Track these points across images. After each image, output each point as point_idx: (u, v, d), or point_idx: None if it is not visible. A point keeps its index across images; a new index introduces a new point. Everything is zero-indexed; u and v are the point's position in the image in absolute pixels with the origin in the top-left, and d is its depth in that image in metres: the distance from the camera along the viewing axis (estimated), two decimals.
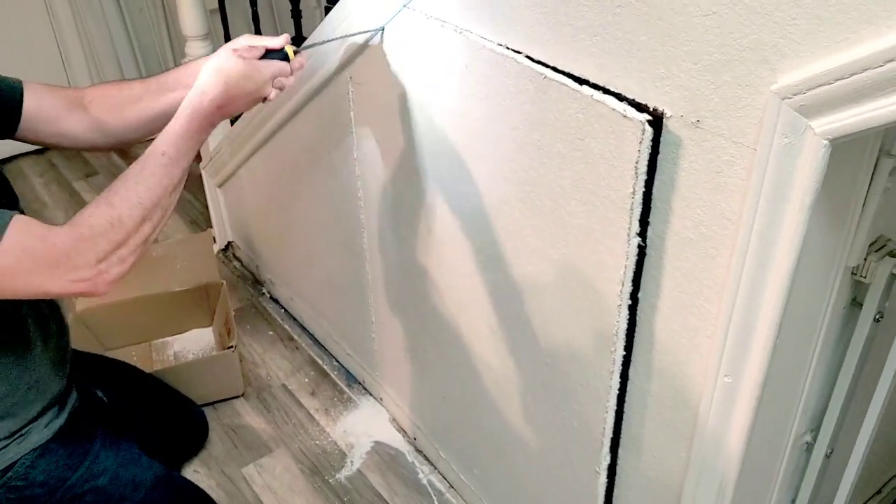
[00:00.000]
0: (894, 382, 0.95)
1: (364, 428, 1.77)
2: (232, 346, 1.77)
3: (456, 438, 1.54)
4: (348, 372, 1.92)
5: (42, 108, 1.07)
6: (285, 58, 1.04)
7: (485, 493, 1.51)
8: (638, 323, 0.96)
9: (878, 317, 0.91)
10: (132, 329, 1.92)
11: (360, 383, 1.88)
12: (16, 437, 1.09)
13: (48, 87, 1.09)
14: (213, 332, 1.99)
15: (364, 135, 1.39)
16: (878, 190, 0.81)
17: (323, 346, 2.00)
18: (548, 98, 0.93)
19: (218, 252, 2.33)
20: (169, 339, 1.98)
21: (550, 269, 1.05)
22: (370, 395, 1.85)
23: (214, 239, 2.33)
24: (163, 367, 1.78)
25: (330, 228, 1.67)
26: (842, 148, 0.70)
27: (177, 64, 2.70)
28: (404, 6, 1.12)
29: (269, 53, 1.04)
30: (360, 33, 1.23)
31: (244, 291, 2.21)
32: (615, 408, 1.04)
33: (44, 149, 2.68)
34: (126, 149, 2.53)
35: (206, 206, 2.32)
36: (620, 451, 1.09)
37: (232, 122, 1.94)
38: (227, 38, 2.04)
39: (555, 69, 0.91)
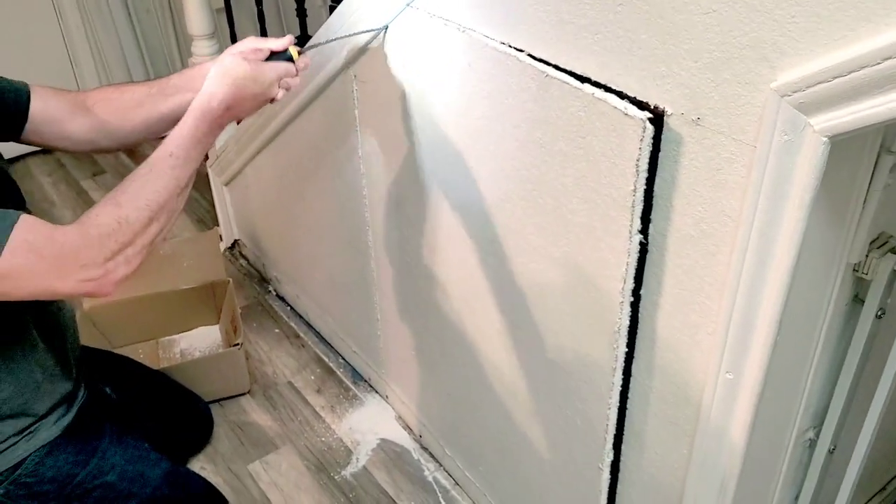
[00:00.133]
0: None
1: (370, 425, 1.78)
2: (238, 344, 1.78)
3: (461, 436, 1.55)
4: (354, 369, 1.93)
5: (48, 111, 1.08)
6: (290, 59, 1.05)
7: (489, 490, 1.52)
8: (640, 320, 0.97)
9: (879, 313, 0.92)
10: (139, 327, 1.94)
11: (365, 381, 1.89)
12: (24, 434, 1.10)
13: (53, 90, 1.10)
14: (219, 330, 2.01)
15: (368, 133, 1.40)
16: (878, 187, 0.81)
17: (329, 344, 2.01)
18: (550, 96, 0.93)
19: (224, 250, 2.34)
20: (176, 336, 1.99)
21: (553, 266, 1.06)
22: (376, 392, 1.86)
23: (221, 237, 2.34)
24: (169, 365, 1.79)
25: (335, 226, 1.68)
26: (841, 145, 0.71)
27: (184, 63, 2.72)
28: (408, 5, 1.13)
29: (273, 55, 1.05)
30: (363, 32, 1.24)
31: (250, 289, 2.22)
32: (618, 405, 1.05)
33: None
34: (133, 149, 2.55)
35: (213, 205, 2.33)
36: (623, 447, 1.10)
37: (238, 121, 1.95)
38: (233, 37, 2.05)
39: (557, 67, 0.92)
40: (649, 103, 0.83)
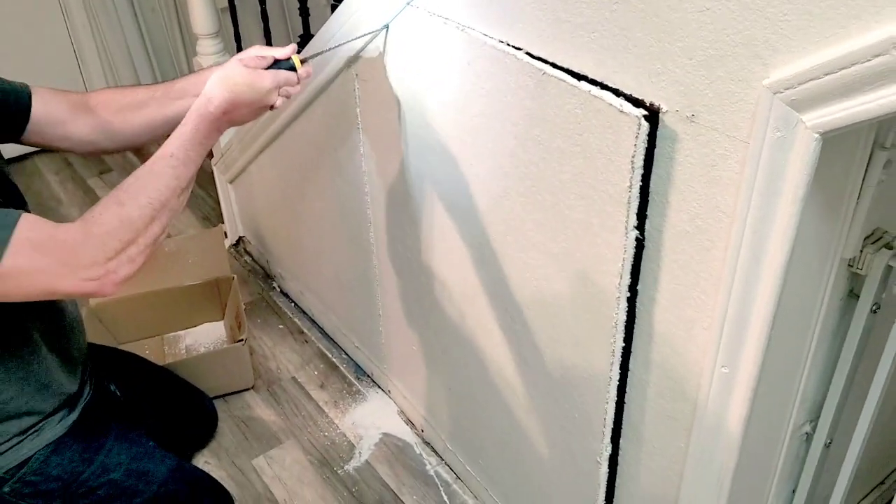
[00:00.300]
0: (891, 373, 0.95)
1: (372, 420, 1.80)
2: (242, 340, 1.79)
3: (462, 430, 1.56)
4: (357, 365, 1.94)
5: (49, 112, 1.09)
6: (292, 67, 1.07)
7: (490, 484, 1.53)
8: (637, 315, 0.98)
9: (874, 308, 0.92)
10: (145, 323, 1.96)
11: (368, 376, 1.91)
12: (29, 433, 1.11)
13: (54, 90, 1.11)
14: (224, 326, 2.02)
15: (370, 131, 1.41)
16: (872, 182, 0.82)
17: (332, 340, 2.02)
18: (547, 94, 0.94)
19: (229, 247, 2.36)
20: (181, 332, 2.01)
21: (551, 262, 1.07)
22: (378, 387, 1.88)
23: (226, 234, 2.36)
24: (175, 361, 1.81)
25: (338, 224, 1.70)
26: (834, 141, 0.72)
27: (189, 61, 2.74)
28: (408, 4, 1.14)
29: (277, 63, 1.06)
30: (365, 35, 1.25)
31: (255, 286, 2.24)
32: (615, 399, 1.06)
33: None
34: (140, 148, 2.56)
35: (218, 202, 2.35)
36: (621, 441, 1.11)
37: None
38: (237, 36, 2.07)
39: (554, 65, 0.93)
40: (645, 100, 0.84)
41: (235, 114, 1.02)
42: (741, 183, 0.77)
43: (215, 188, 2.31)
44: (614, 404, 1.06)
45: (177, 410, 1.64)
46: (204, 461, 1.72)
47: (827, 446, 1.05)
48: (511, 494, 1.48)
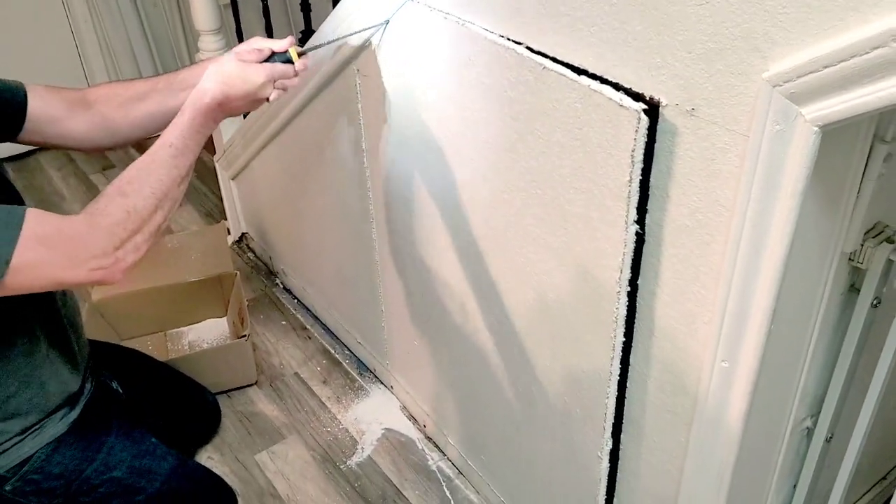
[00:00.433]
0: (892, 368, 0.95)
1: (375, 415, 1.80)
2: (245, 336, 1.80)
3: (464, 425, 1.57)
4: (359, 361, 1.95)
5: (46, 109, 1.09)
6: (289, 60, 1.07)
7: (492, 479, 1.53)
8: (637, 309, 0.98)
9: (875, 302, 0.92)
10: (148, 319, 1.96)
11: (371, 372, 1.91)
12: (31, 431, 1.11)
13: (50, 88, 1.11)
14: (226, 322, 2.03)
15: (372, 126, 1.41)
16: (872, 176, 0.82)
17: (335, 336, 2.03)
18: (547, 88, 0.94)
19: (232, 243, 2.36)
20: (184, 328, 2.01)
21: (551, 257, 1.07)
22: (381, 383, 1.88)
23: (228, 230, 2.37)
24: (177, 357, 1.81)
25: (340, 220, 1.70)
26: (833, 134, 0.71)
27: (191, 56, 2.74)
28: None
29: (274, 56, 1.06)
30: (365, 30, 1.25)
31: (258, 282, 2.24)
32: (616, 393, 1.06)
33: None
34: (142, 144, 2.57)
35: (221, 199, 2.35)
36: (622, 436, 1.11)
37: (244, 115, 1.97)
38: (239, 32, 2.07)
39: (554, 59, 0.93)
40: (644, 94, 0.84)
41: (229, 106, 1.03)
42: (741, 176, 0.77)
43: (218, 184, 2.32)
44: (615, 399, 1.06)
45: (178, 407, 1.64)
46: (207, 457, 1.72)
47: (828, 441, 1.05)
48: (513, 489, 1.48)
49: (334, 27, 1.31)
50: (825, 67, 0.65)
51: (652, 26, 0.79)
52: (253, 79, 1.03)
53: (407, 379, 1.76)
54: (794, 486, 1.13)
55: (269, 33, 1.98)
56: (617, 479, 1.17)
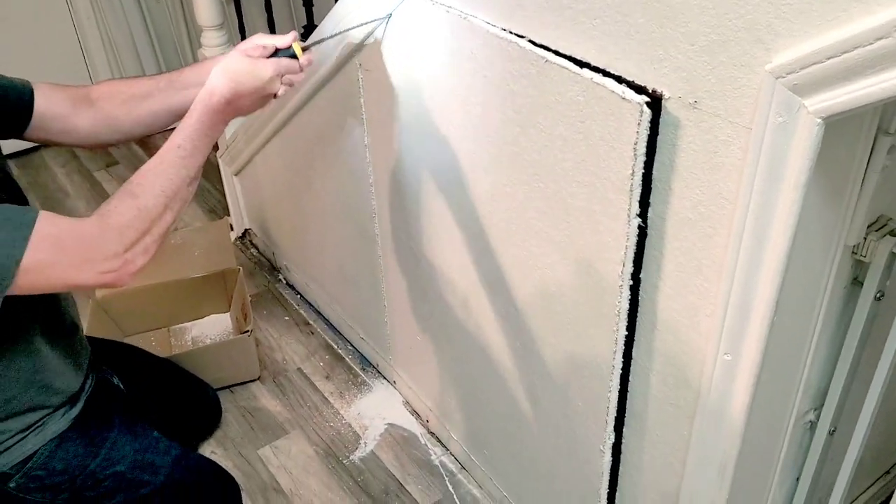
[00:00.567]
0: (895, 361, 0.95)
1: (378, 410, 1.80)
2: (248, 331, 1.80)
3: (466, 420, 1.57)
4: (362, 356, 1.95)
5: (51, 107, 1.10)
6: (294, 55, 1.07)
7: (494, 474, 1.54)
8: (640, 303, 0.98)
9: (878, 296, 0.92)
10: (151, 315, 1.97)
11: (373, 367, 1.91)
12: (33, 428, 1.12)
13: (54, 85, 1.12)
14: (230, 318, 2.03)
15: (374, 121, 1.41)
16: (876, 168, 0.81)
17: (337, 331, 2.03)
18: (549, 81, 0.94)
19: (235, 239, 2.36)
20: (187, 324, 2.02)
21: (554, 250, 1.07)
22: (384, 378, 1.88)
23: (231, 226, 2.37)
24: (181, 352, 1.82)
25: (343, 215, 1.70)
26: (837, 126, 0.71)
27: (194, 52, 2.74)
28: None
29: (278, 52, 1.07)
30: (367, 23, 1.24)
31: (261, 278, 2.25)
32: (618, 387, 1.06)
33: None
34: (145, 140, 2.57)
35: (224, 194, 2.36)
36: (624, 430, 1.11)
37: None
38: (242, 28, 2.07)
39: (557, 52, 0.93)
40: (647, 87, 0.83)
41: (239, 103, 1.03)
42: (744, 169, 0.76)
43: (221, 180, 2.32)
44: (617, 393, 1.06)
45: (180, 402, 1.64)
46: (210, 451, 1.73)
47: (831, 434, 1.05)
48: (515, 484, 1.48)
49: (336, 22, 1.31)
50: (828, 58, 0.65)
51: (654, 18, 0.79)
52: (262, 73, 1.03)
53: (410, 374, 1.76)
54: (797, 480, 1.13)
55: (272, 28, 1.98)
56: (619, 473, 1.17)
